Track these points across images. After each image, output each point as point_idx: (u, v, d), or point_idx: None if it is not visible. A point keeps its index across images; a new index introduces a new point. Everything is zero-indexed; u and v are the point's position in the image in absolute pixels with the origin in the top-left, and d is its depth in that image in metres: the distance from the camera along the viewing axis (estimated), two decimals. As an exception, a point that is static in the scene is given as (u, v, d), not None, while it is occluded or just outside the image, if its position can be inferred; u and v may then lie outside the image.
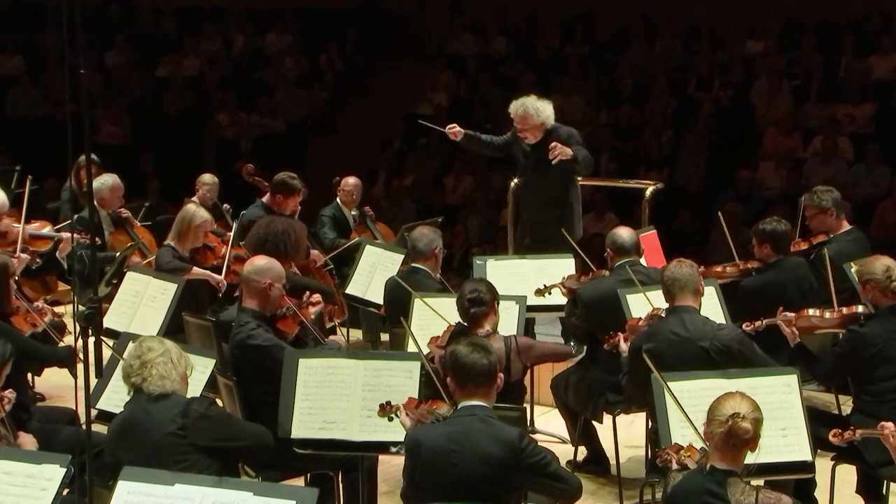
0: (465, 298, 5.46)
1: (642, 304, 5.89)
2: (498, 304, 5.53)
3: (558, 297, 6.75)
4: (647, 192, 8.58)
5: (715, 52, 14.39)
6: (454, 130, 7.96)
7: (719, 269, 6.89)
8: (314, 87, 15.67)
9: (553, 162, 7.37)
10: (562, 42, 15.36)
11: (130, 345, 4.75)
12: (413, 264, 6.75)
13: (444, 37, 16.03)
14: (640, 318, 5.72)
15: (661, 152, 13.09)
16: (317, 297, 5.90)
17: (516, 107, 7.65)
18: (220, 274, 7.19)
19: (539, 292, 6.73)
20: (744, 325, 5.94)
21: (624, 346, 5.64)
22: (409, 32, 16.53)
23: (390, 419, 4.82)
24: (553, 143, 7.40)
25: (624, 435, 6.36)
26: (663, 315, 5.51)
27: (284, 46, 15.97)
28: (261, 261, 5.62)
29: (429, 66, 15.56)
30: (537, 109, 7.59)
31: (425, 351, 5.30)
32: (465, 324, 5.48)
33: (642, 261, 6.49)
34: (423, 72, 15.46)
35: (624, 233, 6.39)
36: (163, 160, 13.96)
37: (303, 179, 8.16)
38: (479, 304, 5.44)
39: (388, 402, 4.85)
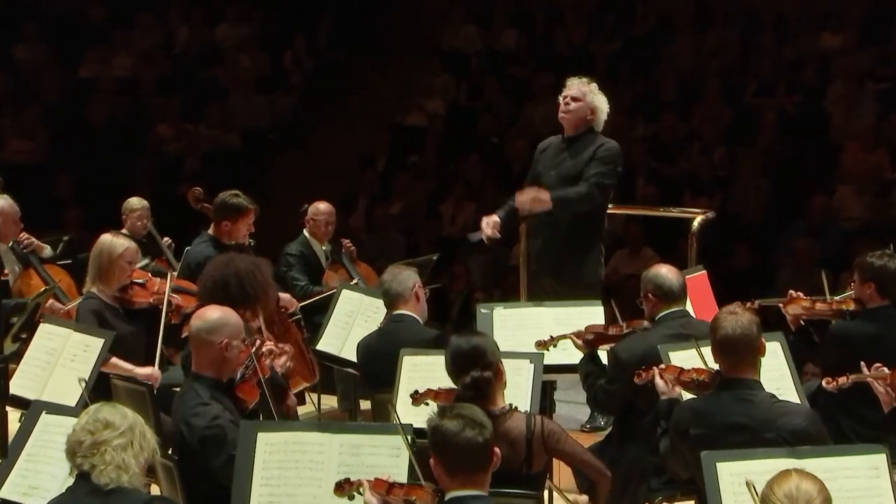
0: (462, 381, 5.32)
1: (690, 363, 5.85)
2: (501, 363, 5.43)
3: (579, 354, 6.73)
4: (695, 223, 8.64)
5: (781, 48, 14.47)
6: (488, 232, 8.04)
7: (807, 302, 6.88)
8: (278, 91, 15.73)
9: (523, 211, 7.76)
10: (588, 35, 15.44)
11: (83, 414, 4.62)
12: (393, 312, 6.75)
13: (440, 29, 16.12)
14: (682, 370, 5.69)
15: (713, 173, 13.12)
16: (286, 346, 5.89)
17: (577, 80, 8.12)
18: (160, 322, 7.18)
19: (541, 344, 6.59)
20: (824, 382, 5.94)
21: (661, 384, 5.62)
22: (396, 23, 16.59)
23: (351, 498, 4.76)
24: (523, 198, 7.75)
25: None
26: (707, 380, 5.50)
27: (240, 40, 16.04)
28: (213, 313, 5.59)
29: (422, 66, 15.62)
30: (595, 97, 8.03)
31: (416, 417, 5.28)
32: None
33: (689, 307, 6.51)
34: (414, 72, 15.53)
35: (670, 274, 6.39)
36: (86, 183, 13.99)
37: (264, 206, 8.19)
38: (484, 385, 5.28)
39: (347, 479, 4.76)
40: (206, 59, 15.99)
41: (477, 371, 5.28)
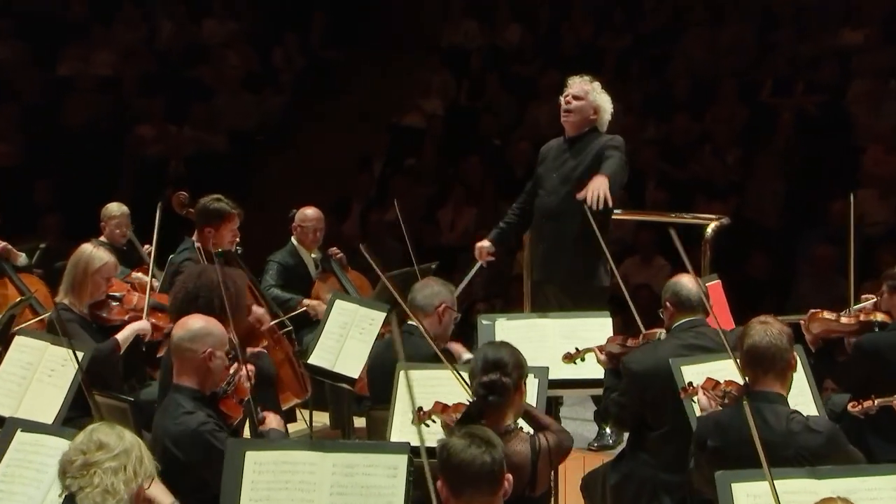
0: (479, 380, 5.36)
1: (704, 376, 5.89)
2: (525, 382, 5.48)
3: (592, 367, 6.75)
4: (709, 230, 8.68)
5: (799, 45, 14.47)
6: (480, 260, 8.37)
7: (830, 316, 6.88)
8: (267, 90, 15.73)
9: (589, 205, 7.50)
10: (596, 31, 15.45)
11: (80, 433, 4.60)
12: (408, 321, 6.74)
13: (439, 24, 16.12)
14: (717, 383, 5.74)
15: (727, 177, 13.13)
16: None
17: (578, 78, 8.13)
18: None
19: (568, 358, 6.74)
20: (850, 406, 5.93)
21: (704, 400, 5.65)
22: (393, 18, 16.61)
23: None
24: (590, 194, 7.52)
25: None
26: (737, 394, 5.52)
27: (227, 36, 16.05)
28: (196, 322, 5.65)
29: (419, 63, 15.63)
30: (598, 96, 8.04)
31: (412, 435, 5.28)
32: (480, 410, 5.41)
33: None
34: (411, 70, 15.54)
35: (689, 283, 6.43)
36: (65, 187, 13.98)
37: (252, 212, 8.19)
38: (501, 392, 5.32)
39: None
40: (192, 56, 15.99)
41: (497, 374, 5.30)
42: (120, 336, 7.12)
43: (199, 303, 6.21)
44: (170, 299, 6.57)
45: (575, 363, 6.75)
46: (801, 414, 5.41)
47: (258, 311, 7.97)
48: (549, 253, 8.01)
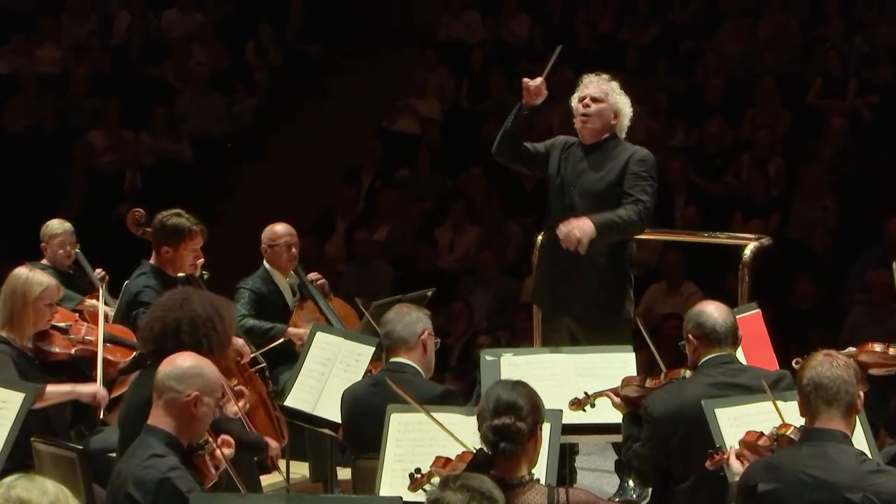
0: (489, 423, 5.31)
1: (743, 422, 5.89)
2: (542, 428, 5.43)
3: (611, 409, 6.74)
4: (747, 252, 8.62)
5: (851, 38, 14.49)
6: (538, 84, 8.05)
7: (882, 348, 6.87)
8: (238, 90, 15.75)
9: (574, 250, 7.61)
10: (616, 23, 15.46)
11: None
12: (391, 359, 6.72)
13: (436, 15, 16.13)
14: (762, 434, 5.73)
15: (768, 191, 13.13)
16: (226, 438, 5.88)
17: (596, 76, 8.09)
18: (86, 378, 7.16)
19: (577, 404, 6.69)
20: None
21: (737, 465, 5.63)
22: (383, 8, 16.63)
23: None
24: (565, 228, 7.60)
25: None
26: (795, 438, 5.52)
27: (192, 29, 16.06)
28: (186, 360, 5.61)
29: (413, 59, 15.64)
30: (618, 97, 7.98)
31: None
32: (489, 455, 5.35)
33: (740, 355, 6.50)
34: (404, 67, 15.55)
35: (715, 312, 6.40)
36: (2, 202, 13.97)
37: (221, 231, 8.17)
38: (514, 438, 5.26)
39: None
40: (151, 52, 15.99)
41: (510, 418, 5.28)
42: (52, 389, 6.94)
43: (183, 338, 6.15)
44: (142, 331, 6.48)
45: (584, 410, 6.70)
46: (868, 456, 5.42)
47: (237, 341, 7.95)
48: (565, 279, 7.97)
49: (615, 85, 8.04)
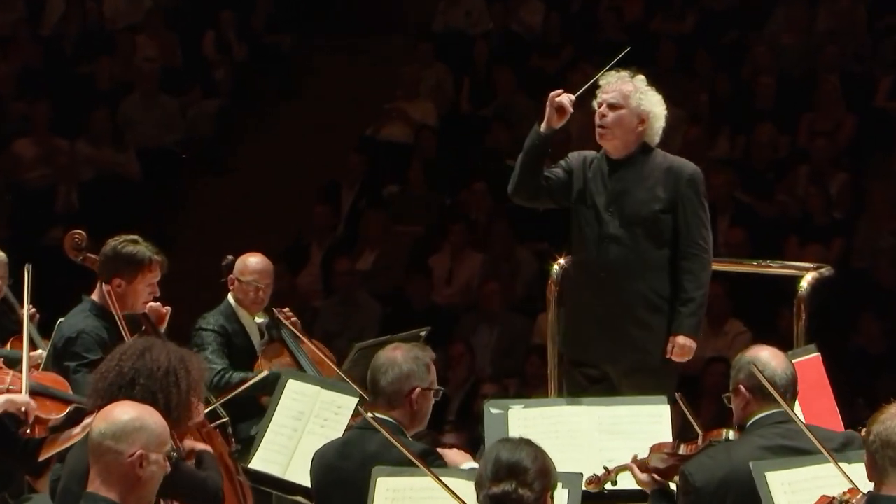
0: (486, 491, 5.37)
1: (800, 487, 5.90)
2: (553, 496, 5.46)
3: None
4: (804, 284, 8.66)
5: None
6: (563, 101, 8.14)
7: None
8: (194, 91, 15.77)
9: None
10: (647, 10, 15.51)
11: None
12: (374, 414, 6.69)
13: (431, 1, 16.17)
14: (832, 500, 5.71)
15: (829, 212, 13.14)
16: None
17: (614, 75, 8.07)
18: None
19: (595, 483, 6.66)
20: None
21: None
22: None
23: None
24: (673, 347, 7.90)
25: None
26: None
27: (140, 18, 16.11)
28: (124, 413, 5.58)
29: (404, 54, 15.70)
30: (643, 98, 7.96)
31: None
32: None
33: (797, 409, 6.50)
34: (393, 63, 15.59)
35: (774, 361, 6.44)
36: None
37: (172, 258, 8.19)
38: None
39: None
40: (89, 45, 16.08)
41: (512, 485, 5.24)
42: None
43: (136, 392, 6.15)
44: (94, 381, 6.46)
45: (604, 490, 6.69)
46: None
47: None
48: (600, 323, 7.95)
49: (640, 81, 8.03)
